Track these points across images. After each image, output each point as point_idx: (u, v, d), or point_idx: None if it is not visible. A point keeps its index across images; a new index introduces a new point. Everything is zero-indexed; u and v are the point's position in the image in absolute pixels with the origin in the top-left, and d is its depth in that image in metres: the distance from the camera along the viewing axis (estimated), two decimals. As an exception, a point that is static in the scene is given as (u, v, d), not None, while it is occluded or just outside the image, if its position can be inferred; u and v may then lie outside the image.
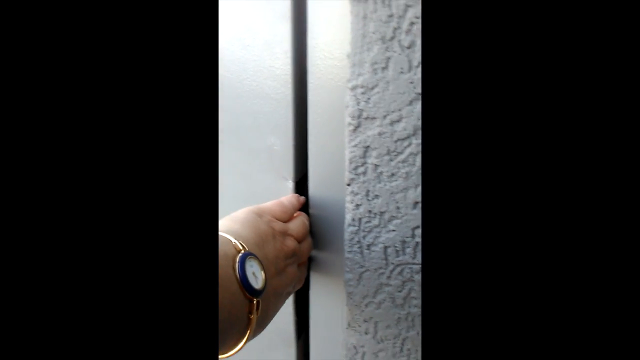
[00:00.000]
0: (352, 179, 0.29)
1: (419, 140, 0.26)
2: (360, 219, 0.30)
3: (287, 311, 0.41)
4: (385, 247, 0.30)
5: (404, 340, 0.32)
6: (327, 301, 0.39)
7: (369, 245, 0.30)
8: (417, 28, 0.24)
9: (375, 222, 0.30)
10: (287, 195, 0.38)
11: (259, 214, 0.30)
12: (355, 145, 0.28)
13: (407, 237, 0.29)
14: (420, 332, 0.31)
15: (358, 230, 0.30)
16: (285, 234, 0.31)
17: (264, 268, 0.26)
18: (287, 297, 0.31)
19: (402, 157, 0.27)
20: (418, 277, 0.30)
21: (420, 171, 0.27)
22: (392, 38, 0.25)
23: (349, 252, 0.31)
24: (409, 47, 0.25)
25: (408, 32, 0.24)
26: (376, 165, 0.28)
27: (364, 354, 0.34)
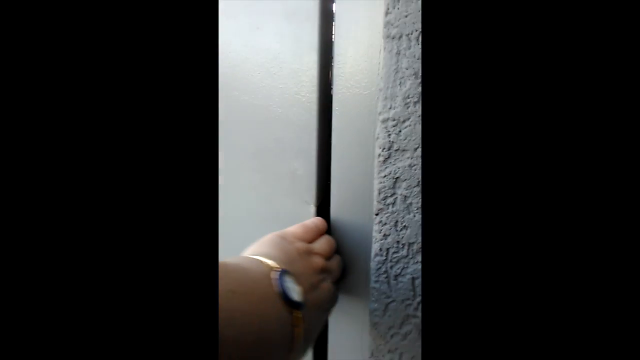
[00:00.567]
0: (381, 209, 0.30)
1: (450, 173, 0.27)
2: (388, 249, 0.30)
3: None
4: (413, 279, 0.30)
5: (429, 372, 0.31)
6: (346, 329, 0.38)
7: (396, 276, 0.30)
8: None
9: (404, 252, 0.29)
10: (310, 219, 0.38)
11: (283, 237, 0.31)
12: (385, 176, 0.29)
13: (436, 269, 0.29)
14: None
15: (385, 260, 0.30)
16: (310, 252, 0.31)
17: (298, 283, 0.26)
18: (326, 316, 0.31)
19: (431, 189, 0.27)
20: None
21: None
22: (424, 73, 0.25)
23: (376, 281, 0.31)
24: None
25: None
26: (405, 197, 0.28)
27: (387, 385, 0.33)
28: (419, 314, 0.30)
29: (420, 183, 0.28)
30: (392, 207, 0.29)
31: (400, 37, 0.25)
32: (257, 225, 0.44)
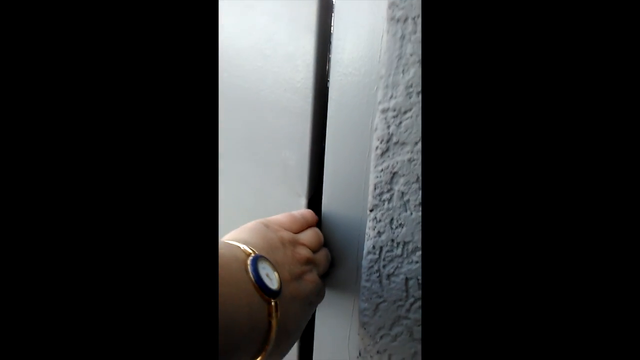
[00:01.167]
0: (376, 205, 0.28)
1: (451, 170, 0.25)
2: (381, 247, 0.28)
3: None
4: (407, 279, 0.28)
5: (418, 375, 0.30)
6: (334, 326, 0.37)
7: (388, 276, 0.29)
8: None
9: (398, 251, 0.28)
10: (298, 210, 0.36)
11: (266, 224, 0.29)
12: (382, 171, 0.27)
13: (431, 270, 0.27)
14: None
15: (378, 259, 0.29)
16: (295, 242, 0.30)
17: (277, 270, 0.25)
18: (310, 310, 0.29)
19: (431, 185, 0.26)
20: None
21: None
22: (429, 61, 0.23)
23: (367, 280, 0.30)
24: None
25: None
26: (403, 193, 0.27)
27: (374, 386, 0.32)
28: (411, 315, 0.29)
29: (420, 179, 0.26)
30: (388, 203, 0.27)
31: (406, 19, 0.23)
32: (244, 216, 0.42)
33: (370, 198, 0.28)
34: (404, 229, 0.27)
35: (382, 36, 0.24)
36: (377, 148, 0.27)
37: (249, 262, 0.23)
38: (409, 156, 0.26)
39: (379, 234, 0.28)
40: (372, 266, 0.29)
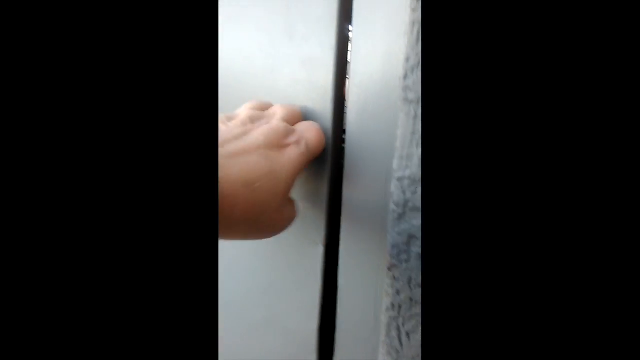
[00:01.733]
0: (394, 265, 0.29)
1: (465, 234, 0.27)
2: (400, 306, 0.30)
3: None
4: (426, 336, 0.29)
5: None
6: (359, 309, 0.38)
7: (408, 333, 0.30)
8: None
9: (417, 310, 0.29)
10: None
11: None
12: (399, 234, 0.29)
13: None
14: None
15: (397, 316, 0.30)
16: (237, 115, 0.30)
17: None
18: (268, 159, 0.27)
19: (446, 247, 0.27)
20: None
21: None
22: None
23: (387, 336, 0.31)
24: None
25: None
26: (420, 255, 0.28)
27: None
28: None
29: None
30: (406, 263, 0.29)
31: (418, 101, 0.26)
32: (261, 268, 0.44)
33: (388, 257, 0.30)
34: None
35: (398, 115, 0.27)
36: (393, 211, 0.29)
37: None
38: (425, 221, 0.28)
39: (398, 292, 0.30)
40: (391, 323, 0.30)
